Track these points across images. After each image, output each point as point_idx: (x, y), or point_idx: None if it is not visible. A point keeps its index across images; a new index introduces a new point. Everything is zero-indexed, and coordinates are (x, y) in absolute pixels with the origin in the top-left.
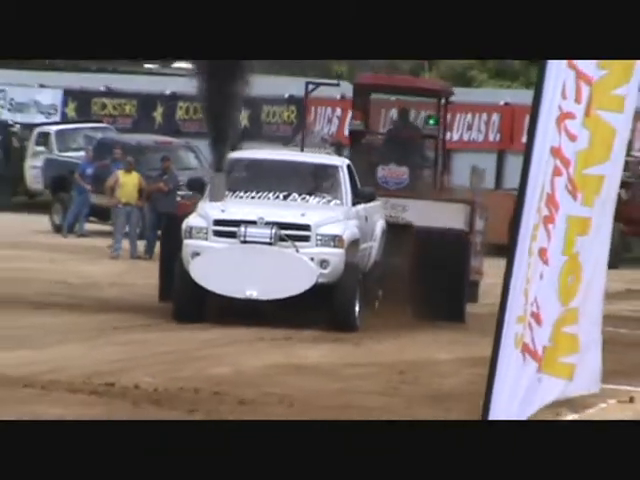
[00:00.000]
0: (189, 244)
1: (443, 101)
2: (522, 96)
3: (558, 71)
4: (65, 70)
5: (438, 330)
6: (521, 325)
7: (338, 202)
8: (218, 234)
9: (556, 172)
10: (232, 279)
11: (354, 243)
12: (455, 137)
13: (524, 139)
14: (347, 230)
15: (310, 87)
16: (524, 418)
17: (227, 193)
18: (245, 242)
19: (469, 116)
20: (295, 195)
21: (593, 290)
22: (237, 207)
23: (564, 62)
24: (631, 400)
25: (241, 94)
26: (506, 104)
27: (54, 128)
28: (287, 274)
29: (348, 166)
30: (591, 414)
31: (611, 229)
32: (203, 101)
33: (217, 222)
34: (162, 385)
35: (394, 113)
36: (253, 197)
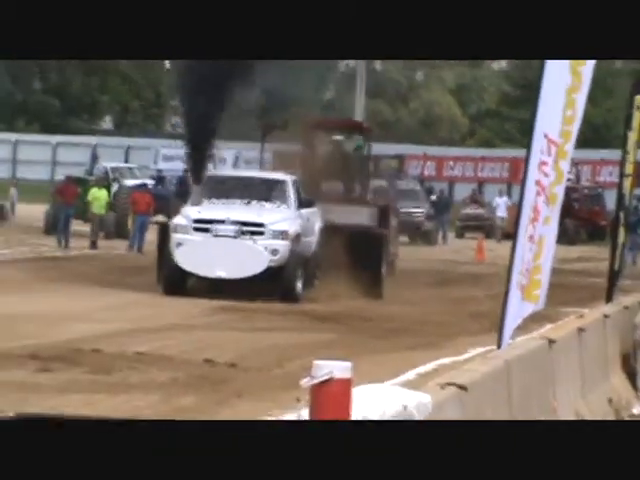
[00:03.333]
0: (174, 237)
1: (366, 136)
2: (521, 153)
3: (539, 139)
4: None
5: (475, 279)
6: (521, 276)
7: (286, 207)
8: (196, 230)
9: (538, 193)
10: (206, 263)
11: (297, 237)
12: (484, 174)
13: (521, 176)
14: (292, 227)
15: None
16: (515, 326)
17: (204, 200)
18: (216, 236)
19: (492, 164)
20: (254, 201)
21: (549, 254)
22: (210, 210)
23: (543, 133)
24: (581, 316)
25: (219, 118)
26: (513, 157)
27: None
28: (247, 259)
29: (294, 181)
30: (561, 324)
31: (558, 221)
32: (185, 125)
33: (196, 221)
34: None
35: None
36: (223, 203)
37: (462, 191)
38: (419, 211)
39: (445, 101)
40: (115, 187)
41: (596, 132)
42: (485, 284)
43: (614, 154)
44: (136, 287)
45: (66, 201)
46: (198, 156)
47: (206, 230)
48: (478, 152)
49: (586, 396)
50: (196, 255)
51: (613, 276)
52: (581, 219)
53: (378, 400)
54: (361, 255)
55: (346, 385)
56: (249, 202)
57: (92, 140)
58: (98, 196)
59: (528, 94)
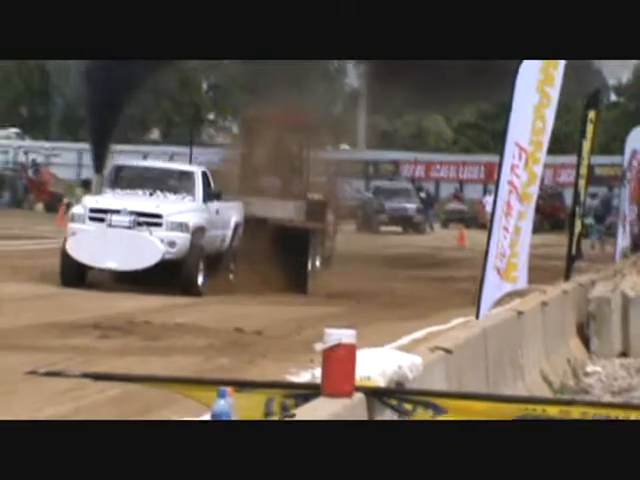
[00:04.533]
0: (70, 226)
1: (307, 133)
2: (495, 158)
3: (510, 146)
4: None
5: (458, 262)
6: (497, 260)
7: (191, 198)
8: (92, 219)
9: (511, 192)
10: (98, 253)
11: (200, 229)
12: (464, 176)
13: (495, 177)
14: (194, 219)
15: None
16: (493, 300)
17: (108, 190)
18: (111, 226)
19: (471, 168)
20: (159, 192)
21: (525, 243)
22: (108, 199)
23: (514, 141)
24: (544, 292)
25: (124, 109)
26: (487, 161)
27: None
28: (139, 251)
29: (203, 172)
30: (527, 299)
31: (533, 216)
32: (88, 114)
33: (92, 210)
34: None
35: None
36: (127, 193)
37: (446, 189)
38: (411, 206)
39: (433, 116)
40: None
41: (557, 141)
42: (466, 266)
43: (571, 159)
44: None
45: None
46: (98, 143)
47: (101, 220)
48: (460, 158)
49: (549, 357)
50: (88, 245)
51: (570, 259)
52: (544, 213)
53: (378, 361)
54: (286, 249)
55: (352, 349)
56: (153, 193)
57: (143, 148)
58: None
59: (501, 110)
